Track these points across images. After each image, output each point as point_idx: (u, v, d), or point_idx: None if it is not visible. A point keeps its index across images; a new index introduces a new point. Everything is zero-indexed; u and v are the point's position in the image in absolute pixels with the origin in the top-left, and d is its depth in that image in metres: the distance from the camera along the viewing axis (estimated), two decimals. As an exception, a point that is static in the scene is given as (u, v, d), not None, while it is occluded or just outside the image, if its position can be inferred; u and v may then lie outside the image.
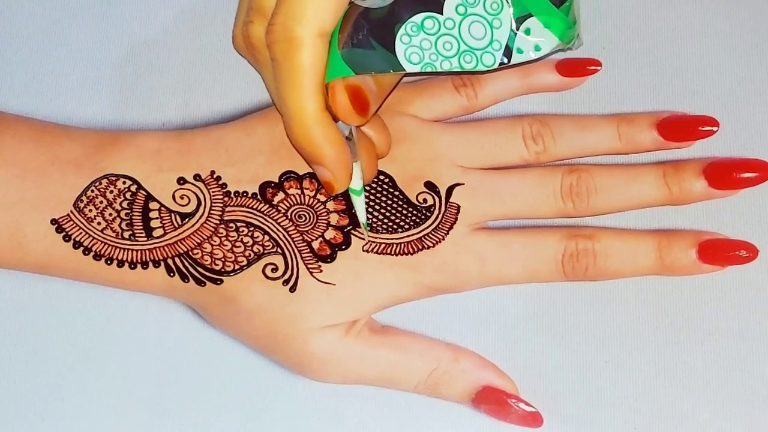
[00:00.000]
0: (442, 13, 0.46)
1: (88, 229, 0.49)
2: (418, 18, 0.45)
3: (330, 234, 0.49)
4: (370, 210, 0.50)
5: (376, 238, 0.49)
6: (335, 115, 0.46)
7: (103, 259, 0.49)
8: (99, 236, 0.49)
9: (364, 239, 0.49)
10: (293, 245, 0.49)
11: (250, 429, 0.50)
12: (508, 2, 0.46)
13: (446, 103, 0.52)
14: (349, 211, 0.50)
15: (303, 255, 0.49)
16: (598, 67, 0.53)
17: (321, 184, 0.49)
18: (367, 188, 0.50)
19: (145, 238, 0.49)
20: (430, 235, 0.50)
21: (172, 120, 0.53)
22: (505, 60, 0.46)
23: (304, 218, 0.49)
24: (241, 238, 0.49)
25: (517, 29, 0.46)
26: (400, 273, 0.49)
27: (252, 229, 0.49)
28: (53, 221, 0.49)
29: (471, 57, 0.46)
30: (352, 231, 0.49)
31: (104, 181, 0.49)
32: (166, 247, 0.49)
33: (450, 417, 0.50)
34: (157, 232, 0.49)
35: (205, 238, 0.49)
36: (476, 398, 0.49)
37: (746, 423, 0.50)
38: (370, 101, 0.46)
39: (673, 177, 0.50)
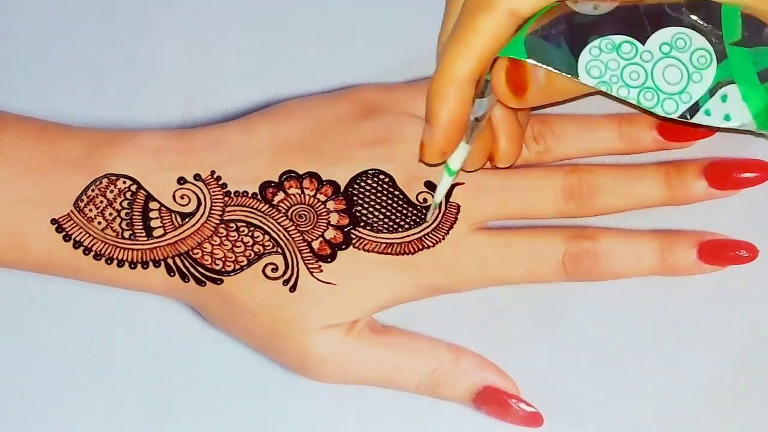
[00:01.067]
0: (643, 44, 0.44)
1: (88, 228, 0.49)
2: (617, 39, 0.44)
3: (330, 234, 0.49)
4: (371, 209, 0.50)
5: (376, 237, 0.49)
6: (491, 87, 0.45)
7: (103, 259, 0.49)
8: (99, 236, 0.49)
9: (363, 239, 0.49)
10: (293, 245, 0.49)
11: (250, 429, 0.50)
12: (716, 62, 0.44)
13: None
14: (349, 210, 0.50)
15: (303, 255, 0.49)
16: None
17: (322, 183, 0.49)
18: (367, 188, 0.50)
19: (146, 238, 0.49)
20: (430, 234, 0.50)
21: (172, 120, 0.53)
22: (688, 116, 0.44)
23: (304, 218, 0.49)
24: (242, 238, 0.49)
25: (714, 92, 0.44)
26: (401, 273, 0.49)
27: (252, 228, 0.49)
28: (53, 221, 0.48)
29: (653, 96, 0.44)
30: (353, 231, 0.49)
31: (104, 181, 0.49)
32: (166, 247, 0.49)
33: (451, 417, 0.50)
34: (157, 232, 0.49)
35: (206, 237, 0.49)
36: (477, 398, 0.49)
37: (746, 423, 0.50)
38: (529, 88, 0.45)
39: (674, 177, 0.50)
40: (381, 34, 0.54)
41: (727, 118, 0.44)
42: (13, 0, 0.54)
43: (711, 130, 0.46)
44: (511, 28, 0.44)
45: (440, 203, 0.49)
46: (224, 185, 0.49)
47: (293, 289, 0.49)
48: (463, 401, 0.50)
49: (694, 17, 0.44)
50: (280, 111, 0.51)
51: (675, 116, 0.44)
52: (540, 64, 0.44)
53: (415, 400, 0.50)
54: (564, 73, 0.44)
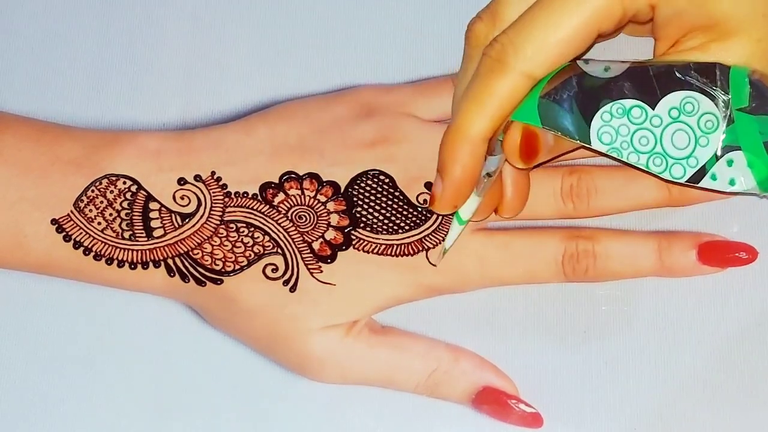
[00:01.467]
0: (653, 109, 0.44)
1: (88, 229, 0.49)
2: (628, 103, 0.44)
3: (330, 234, 0.49)
4: (371, 210, 0.50)
5: (376, 238, 0.49)
6: (502, 149, 0.46)
7: (104, 259, 0.49)
8: (99, 236, 0.49)
9: (363, 240, 0.49)
10: (293, 246, 0.49)
11: (250, 429, 0.50)
12: (723, 127, 0.44)
13: (446, 103, 0.52)
14: (349, 211, 0.50)
15: (303, 255, 0.49)
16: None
17: (322, 184, 0.49)
18: (367, 189, 0.50)
19: (146, 238, 0.49)
20: (430, 236, 0.50)
21: (172, 120, 0.53)
22: (695, 181, 0.45)
23: (304, 219, 0.49)
24: (242, 239, 0.49)
25: (721, 156, 0.45)
26: (401, 273, 0.49)
27: (252, 229, 0.49)
28: (53, 221, 0.49)
29: (662, 161, 0.45)
30: (353, 231, 0.49)
31: (104, 181, 0.49)
32: (166, 247, 0.49)
33: (450, 417, 0.50)
34: (157, 233, 0.49)
35: (206, 238, 0.49)
36: (476, 399, 0.49)
37: (746, 423, 0.50)
38: (540, 153, 0.46)
39: (673, 178, 0.51)
40: (381, 34, 0.54)
41: (732, 182, 0.45)
42: (13, 0, 0.54)
43: (716, 193, 0.47)
44: (526, 89, 0.45)
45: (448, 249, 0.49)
46: (224, 186, 0.50)
47: (293, 289, 0.49)
48: (462, 401, 0.50)
49: (703, 80, 0.44)
50: (279, 112, 0.51)
51: (682, 181, 0.45)
52: (555, 131, 0.44)
53: (415, 400, 0.50)
54: (577, 140, 0.44)
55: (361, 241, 0.49)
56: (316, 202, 0.50)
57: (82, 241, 0.49)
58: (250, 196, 0.49)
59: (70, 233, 0.49)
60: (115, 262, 0.49)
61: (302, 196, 0.50)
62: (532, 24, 0.44)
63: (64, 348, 0.51)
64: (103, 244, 0.49)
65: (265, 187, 0.50)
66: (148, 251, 0.49)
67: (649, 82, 0.44)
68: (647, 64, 0.45)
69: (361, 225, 0.49)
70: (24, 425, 0.50)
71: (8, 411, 0.50)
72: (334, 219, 0.50)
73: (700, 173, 0.45)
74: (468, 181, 0.46)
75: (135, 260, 0.49)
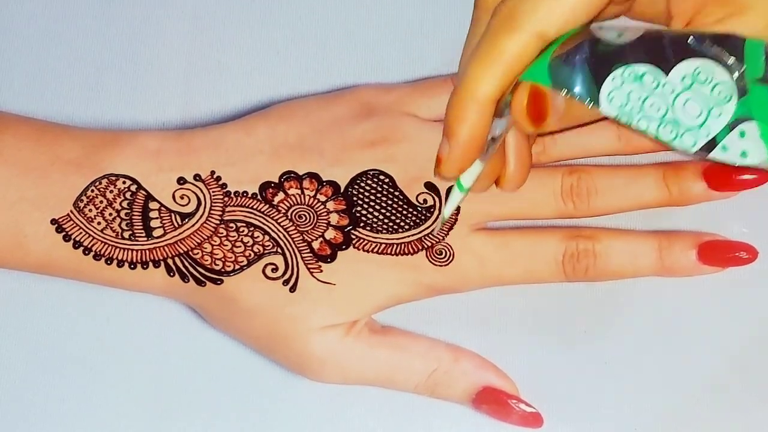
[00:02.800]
0: (666, 75, 0.43)
1: (88, 229, 0.49)
2: (640, 68, 0.43)
3: (330, 234, 0.49)
4: (371, 210, 0.50)
5: (376, 238, 0.49)
6: (510, 111, 0.44)
7: (103, 259, 0.49)
8: (99, 236, 0.49)
9: (363, 240, 0.49)
10: (293, 245, 0.49)
11: (250, 429, 0.51)
12: (737, 97, 0.43)
13: (446, 103, 0.52)
14: (349, 211, 0.50)
15: (303, 255, 0.49)
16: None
17: (322, 184, 0.49)
18: (367, 188, 0.50)
19: (145, 238, 0.49)
20: (430, 235, 0.50)
21: (172, 120, 0.53)
22: (705, 152, 0.44)
23: (304, 218, 0.49)
24: (241, 238, 0.49)
25: (733, 127, 0.43)
26: (401, 273, 0.49)
27: (252, 229, 0.49)
28: (53, 221, 0.49)
29: (672, 129, 0.43)
30: (353, 231, 0.49)
31: (104, 181, 0.49)
32: (166, 247, 0.49)
33: (450, 417, 0.50)
34: (157, 232, 0.49)
35: (205, 238, 0.49)
36: (476, 399, 0.49)
37: (747, 423, 0.50)
38: (549, 116, 0.44)
39: (673, 178, 0.50)
40: (381, 35, 0.54)
41: (744, 155, 0.44)
42: (12, 0, 0.54)
43: (726, 165, 0.46)
44: (537, 50, 0.44)
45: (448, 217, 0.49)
46: (224, 185, 0.50)
47: (293, 289, 0.49)
48: (462, 401, 0.50)
49: (717, 50, 0.43)
50: (279, 111, 0.51)
51: (693, 150, 0.44)
52: (563, 92, 0.43)
53: (415, 400, 0.50)
54: (586, 102, 0.43)
55: (361, 241, 0.49)
56: (316, 201, 0.50)
57: (81, 240, 0.49)
58: (249, 195, 0.49)
59: (69, 233, 0.49)
60: (115, 261, 0.49)
61: (302, 196, 0.50)
62: None
63: (64, 348, 0.51)
64: (102, 243, 0.49)
65: (265, 186, 0.50)
66: (147, 251, 0.49)
67: (662, 50, 0.43)
68: (662, 32, 0.44)
69: (361, 224, 0.49)
70: (24, 425, 0.50)
71: (8, 411, 0.50)
72: (334, 218, 0.50)
73: (711, 144, 0.44)
74: (476, 143, 0.45)
75: (135, 260, 0.49)
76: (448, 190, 0.50)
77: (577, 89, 0.43)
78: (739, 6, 0.43)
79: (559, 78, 0.43)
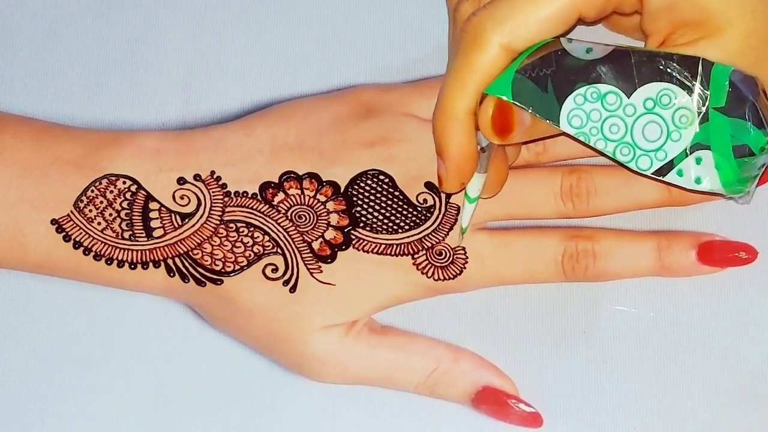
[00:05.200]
0: (629, 97, 0.44)
1: (88, 229, 0.49)
2: (603, 88, 0.44)
3: (330, 234, 0.49)
4: (370, 210, 0.50)
5: (375, 238, 0.49)
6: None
7: (103, 260, 0.49)
8: (99, 236, 0.49)
9: (363, 240, 0.49)
10: (293, 245, 0.49)
11: (250, 429, 0.51)
12: (697, 123, 0.44)
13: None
14: (349, 211, 0.50)
15: (303, 255, 0.49)
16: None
17: (322, 184, 0.49)
18: (367, 189, 0.50)
19: (145, 238, 0.49)
20: (430, 235, 0.50)
21: (172, 120, 0.53)
22: (660, 174, 0.44)
23: (304, 218, 0.49)
24: (241, 239, 0.49)
25: (690, 152, 0.44)
26: (401, 273, 0.49)
27: (252, 229, 0.49)
28: (53, 221, 0.49)
29: (629, 151, 0.44)
30: (353, 231, 0.49)
31: (104, 181, 0.49)
32: (166, 248, 0.49)
33: (450, 417, 0.50)
34: (157, 233, 0.49)
35: (205, 238, 0.49)
36: (476, 398, 0.49)
37: (746, 423, 0.50)
38: (515, 129, 0.45)
39: (673, 178, 0.50)
40: (381, 34, 0.54)
41: (698, 181, 0.45)
42: (13, 0, 0.54)
43: (680, 189, 0.47)
44: (505, 62, 0.45)
45: (466, 228, 0.49)
46: (224, 185, 0.50)
47: (293, 289, 0.49)
48: (462, 401, 0.50)
49: (684, 74, 0.44)
50: (278, 112, 0.51)
51: (648, 173, 0.45)
52: (522, 107, 0.44)
53: (415, 400, 0.50)
54: (545, 119, 0.44)
55: (361, 241, 0.49)
56: (316, 201, 0.50)
57: (81, 241, 0.49)
58: (249, 195, 0.49)
59: (69, 233, 0.49)
60: (115, 262, 0.49)
61: (302, 196, 0.50)
62: (512, 0, 0.44)
63: (64, 348, 0.51)
64: (102, 244, 0.49)
65: (264, 186, 0.50)
66: (147, 251, 0.49)
67: (629, 70, 0.44)
68: (630, 50, 0.44)
69: (361, 225, 0.49)
70: (24, 425, 0.50)
71: (8, 411, 0.50)
72: (334, 219, 0.50)
73: (668, 167, 0.44)
74: (467, 158, 0.46)
75: (135, 260, 0.49)
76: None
77: (538, 106, 0.44)
78: (713, 28, 0.44)
79: (522, 93, 0.44)
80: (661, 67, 0.44)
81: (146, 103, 0.53)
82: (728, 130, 0.44)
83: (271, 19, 0.54)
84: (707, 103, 0.44)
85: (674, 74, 0.44)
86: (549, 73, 0.44)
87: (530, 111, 0.44)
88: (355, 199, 0.50)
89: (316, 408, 0.51)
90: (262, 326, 0.49)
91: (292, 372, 0.50)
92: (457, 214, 0.50)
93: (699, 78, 0.44)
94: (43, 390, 0.51)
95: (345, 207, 0.50)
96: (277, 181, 0.50)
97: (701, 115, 0.44)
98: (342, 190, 0.50)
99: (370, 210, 0.50)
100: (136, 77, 0.54)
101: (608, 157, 0.45)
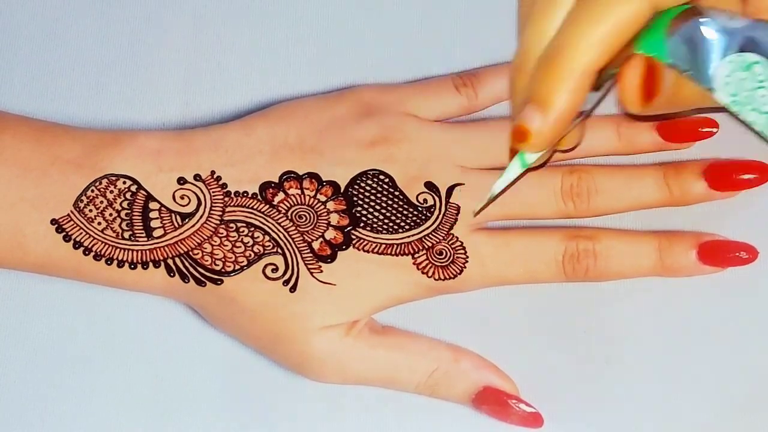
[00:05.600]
0: None
1: (88, 229, 0.49)
2: (751, 57, 0.40)
3: (330, 234, 0.49)
4: (371, 210, 0.50)
5: (376, 238, 0.49)
6: (619, 86, 0.41)
7: (103, 259, 0.49)
8: (99, 236, 0.49)
9: (363, 240, 0.49)
10: (293, 245, 0.49)
11: (250, 429, 0.51)
12: None
13: (446, 103, 0.52)
14: (349, 211, 0.50)
15: (303, 255, 0.49)
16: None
17: (322, 184, 0.49)
18: (367, 189, 0.50)
19: (145, 238, 0.49)
20: (430, 235, 0.50)
21: (172, 120, 0.53)
22: None
23: (304, 218, 0.49)
24: (242, 239, 0.49)
25: None
26: (401, 273, 0.49)
27: (252, 229, 0.49)
28: (53, 221, 0.49)
29: None
30: (353, 231, 0.49)
31: (104, 181, 0.49)
32: (166, 247, 0.49)
33: (450, 417, 0.50)
34: (157, 232, 0.49)
35: (206, 238, 0.49)
36: (476, 399, 0.50)
37: (746, 423, 0.50)
38: (658, 95, 0.42)
39: (674, 178, 0.50)
40: (381, 34, 0.54)
41: None
42: (13, 0, 0.54)
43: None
44: (645, 19, 0.40)
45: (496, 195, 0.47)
46: (224, 185, 0.50)
47: (293, 289, 0.49)
48: (462, 401, 0.50)
49: None
50: (278, 111, 0.51)
51: None
52: (684, 70, 0.40)
53: (415, 400, 0.50)
54: (703, 85, 0.40)
55: (361, 241, 0.49)
56: (316, 201, 0.50)
57: (82, 241, 0.49)
58: (250, 195, 0.49)
59: (69, 233, 0.49)
60: (115, 262, 0.49)
61: (302, 196, 0.50)
62: None
63: (64, 348, 0.51)
64: (103, 244, 0.49)
65: (265, 186, 0.50)
66: (147, 251, 0.49)
67: None
68: None
69: (361, 224, 0.49)
70: (24, 425, 0.50)
71: (8, 411, 0.50)
72: (334, 218, 0.50)
73: None
74: (570, 116, 0.42)
75: (135, 260, 0.49)
76: (449, 190, 0.50)
77: (695, 70, 0.40)
78: None
79: (678, 55, 0.40)
80: None
81: (146, 103, 0.53)
82: None
83: (271, 19, 0.54)
84: None
85: None
86: (696, 38, 0.40)
87: (689, 74, 0.40)
88: (355, 198, 0.50)
89: (317, 408, 0.51)
90: (263, 326, 0.49)
91: (292, 372, 0.50)
92: (458, 214, 0.50)
93: None
94: (43, 390, 0.51)
95: (345, 207, 0.50)
96: (277, 181, 0.50)
97: None
98: (342, 190, 0.50)
99: (371, 210, 0.50)
100: (136, 77, 0.54)
101: (753, 132, 0.41)
